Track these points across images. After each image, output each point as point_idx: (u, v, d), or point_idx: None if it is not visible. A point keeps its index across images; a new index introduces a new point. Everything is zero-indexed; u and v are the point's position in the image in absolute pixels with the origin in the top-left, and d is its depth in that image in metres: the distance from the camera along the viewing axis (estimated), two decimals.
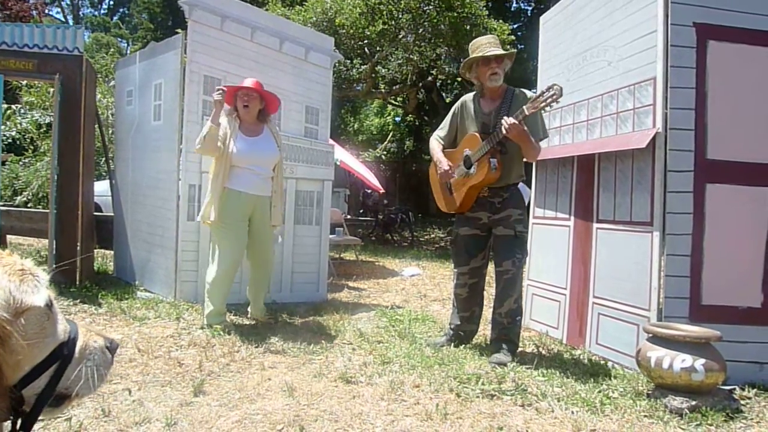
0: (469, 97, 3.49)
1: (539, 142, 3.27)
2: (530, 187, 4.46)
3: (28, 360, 0.92)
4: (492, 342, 3.38)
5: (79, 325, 1.04)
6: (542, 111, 3.12)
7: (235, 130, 3.64)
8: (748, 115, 3.02)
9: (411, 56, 10.47)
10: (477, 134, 3.30)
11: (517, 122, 3.03)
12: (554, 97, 2.95)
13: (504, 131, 3.06)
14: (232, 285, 3.78)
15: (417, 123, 19.76)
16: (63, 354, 0.97)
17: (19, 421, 0.96)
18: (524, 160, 3.37)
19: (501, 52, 3.25)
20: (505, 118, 3.08)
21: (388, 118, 21.91)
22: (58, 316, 0.98)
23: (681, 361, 2.47)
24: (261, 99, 3.74)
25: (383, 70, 11.87)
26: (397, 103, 18.33)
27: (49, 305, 0.96)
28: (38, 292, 0.93)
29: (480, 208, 3.36)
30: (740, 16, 2.99)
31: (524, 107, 3.06)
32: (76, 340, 1.00)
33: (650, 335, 2.68)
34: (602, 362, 3.28)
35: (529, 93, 3.26)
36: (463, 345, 3.44)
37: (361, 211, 14.19)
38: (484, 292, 3.61)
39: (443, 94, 16.75)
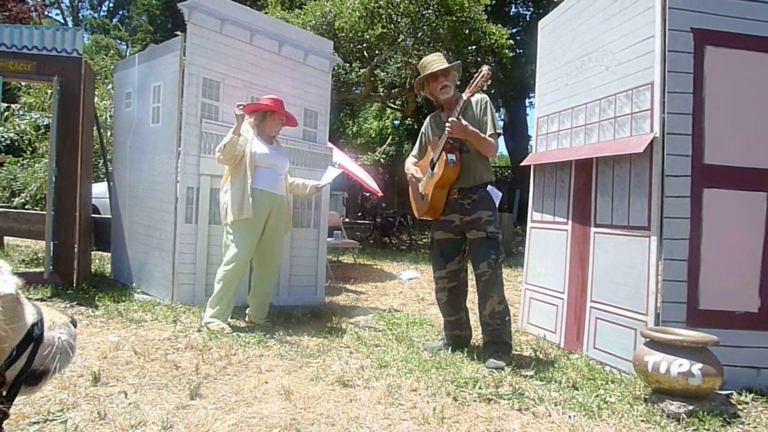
0: (432, 115, 3.67)
1: (497, 137, 3.37)
2: (527, 191, 4.46)
3: (11, 343, 0.98)
4: (485, 345, 3.40)
5: (41, 306, 1.10)
6: (482, 99, 3.39)
7: (255, 135, 3.89)
8: (746, 120, 3.03)
9: (410, 60, 10.48)
10: (436, 138, 3.46)
11: (455, 119, 3.19)
12: (484, 77, 3.15)
13: (447, 132, 3.22)
14: (239, 286, 3.85)
15: (416, 126, 19.75)
16: (35, 334, 1.03)
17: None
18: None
19: (445, 65, 3.43)
20: (449, 119, 3.24)
21: (386, 121, 21.96)
22: (24, 300, 1.04)
23: (678, 365, 2.47)
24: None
25: (382, 74, 11.88)
26: (395, 107, 18.35)
27: (17, 291, 1.02)
28: (7, 280, 0.98)
29: (451, 210, 3.42)
30: (738, 22, 3.01)
31: (462, 94, 3.26)
32: (43, 320, 1.06)
33: (647, 340, 2.68)
34: (599, 366, 3.27)
35: (476, 95, 3.41)
36: (460, 349, 3.44)
37: (360, 214, 14.20)
38: (467, 296, 3.62)
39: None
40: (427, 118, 3.71)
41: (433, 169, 3.41)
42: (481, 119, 3.37)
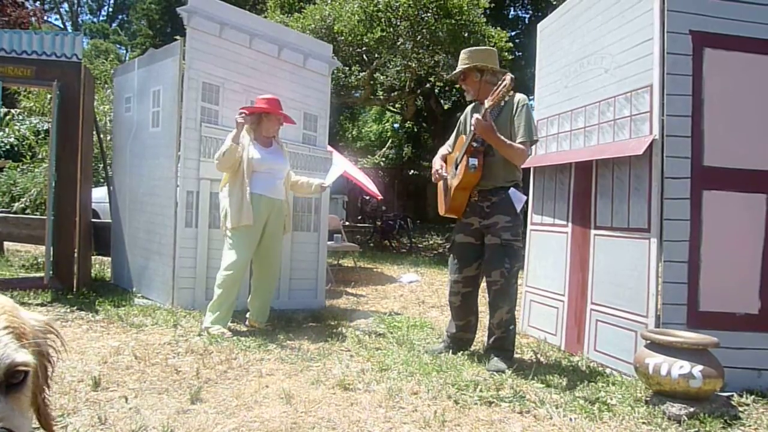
0: (473, 105, 3.57)
1: (529, 145, 3.28)
2: (527, 194, 4.46)
3: None
4: (486, 351, 3.38)
5: None
6: (504, 102, 3.24)
7: (250, 140, 3.87)
8: (745, 122, 3.03)
9: (409, 63, 10.51)
10: (463, 136, 3.39)
11: (479, 117, 3.10)
12: (506, 86, 3.04)
13: (472, 128, 3.15)
14: (239, 291, 3.86)
15: (415, 130, 19.81)
16: None
17: None
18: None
19: (457, 71, 3.42)
20: (475, 115, 3.16)
21: (386, 124, 22.00)
22: None
23: (679, 367, 2.47)
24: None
25: (381, 77, 11.90)
26: (395, 110, 18.39)
27: None
28: None
29: (472, 212, 3.35)
30: (736, 25, 3.02)
31: (485, 101, 3.15)
32: None
33: (648, 342, 2.68)
34: (600, 369, 3.27)
35: (517, 96, 3.29)
36: (461, 352, 3.43)
37: (360, 217, 14.20)
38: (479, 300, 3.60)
39: (441, 101, 16.81)
40: (466, 110, 3.61)
41: (456, 168, 3.35)
42: (515, 122, 3.24)
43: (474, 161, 3.20)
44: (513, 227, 3.22)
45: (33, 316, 0.87)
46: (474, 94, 3.39)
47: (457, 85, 3.66)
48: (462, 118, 3.61)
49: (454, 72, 3.44)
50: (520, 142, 3.20)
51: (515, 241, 3.22)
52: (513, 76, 3.07)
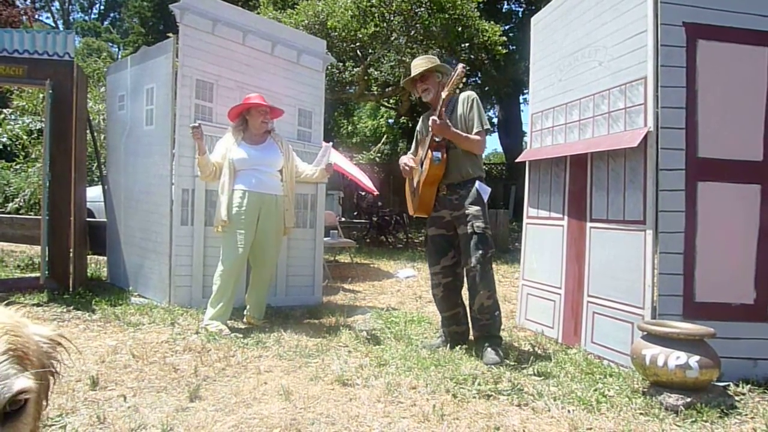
0: (425, 113, 3.73)
1: (484, 134, 3.43)
2: (523, 187, 4.47)
3: None
4: (475, 340, 3.44)
5: None
6: (457, 90, 3.45)
7: (239, 140, 3.89)
8: (738, 113, 3.04)
9: (403, 58, 10.47)
10: (425, 136, 3.54)
11: (435, 118, 3.28)
12: (459, 75, 3.23)
13: (430, 130, 3.33)
14: (237, 286, 3.86)
15: (410, 125, 19.76)
16: None
17: None
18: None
19: (419, 71, 3.50)
20: (430, 118, 3.34)
21: (381, 120, 21.97)
22: None
23: (675, 358, 2.49)
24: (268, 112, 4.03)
25: (376, 73, 11.87)
26: (390, 105, 18.35)
27: None
28: None
29: (441, 206, 3.48)
30: (729, 16, 3.02)
31: (442, 92, 3.34)
32: None
33: (645, 333, 2.69)
34: (597, 361, 3.29)
35: (465, 93, 3.53)
36: (459, 346, 3.44)
37: (356, 213, 14.18)
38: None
39: None
40: (422, 117, 3.75)
41: (422, 167, 3.47)
42: (468, 116, 3.43)
43: (438, 154, 3.36)
44: (483, 216, 3.36)
45: (39, 330, 0.82)
46: (434, 94, 3.50)
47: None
48: (419, 127, 3.78)
49: (416, 73, 3.49)
50: (475, 133, 3.39)
51: (486, 229, 3.35)
52: (464, 65, 3.27)
